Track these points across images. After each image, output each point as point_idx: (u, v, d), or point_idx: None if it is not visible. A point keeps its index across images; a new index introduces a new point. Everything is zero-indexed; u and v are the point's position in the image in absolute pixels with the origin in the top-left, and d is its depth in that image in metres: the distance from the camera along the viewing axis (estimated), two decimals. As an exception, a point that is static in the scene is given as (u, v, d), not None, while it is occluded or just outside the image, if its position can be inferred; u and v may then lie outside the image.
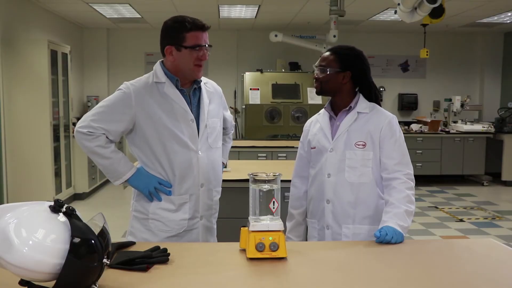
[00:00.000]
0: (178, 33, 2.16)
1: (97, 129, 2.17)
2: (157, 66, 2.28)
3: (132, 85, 2.23)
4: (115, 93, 2.25)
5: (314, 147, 2.30)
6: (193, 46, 2.15)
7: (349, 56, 2.24)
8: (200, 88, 2.31)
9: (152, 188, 2.21)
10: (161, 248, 1.82)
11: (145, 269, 1.65)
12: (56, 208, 1.40)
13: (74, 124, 7.18)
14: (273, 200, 1.82)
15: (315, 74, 2.28)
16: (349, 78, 2.22)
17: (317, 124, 2.34)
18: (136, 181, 2.23)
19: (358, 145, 2.19)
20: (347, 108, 2.24)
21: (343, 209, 2.20)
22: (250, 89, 7.90)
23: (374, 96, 2.28)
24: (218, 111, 2.38)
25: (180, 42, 2.16)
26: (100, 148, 2.18)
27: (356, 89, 2.28)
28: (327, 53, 2.27)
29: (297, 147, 2.50)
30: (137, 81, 2.26)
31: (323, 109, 2.34)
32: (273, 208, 1.82)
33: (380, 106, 2.30)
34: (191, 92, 2.28)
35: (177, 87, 2.23)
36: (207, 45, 2.20)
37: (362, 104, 2.24)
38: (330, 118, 2.30)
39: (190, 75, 2.23)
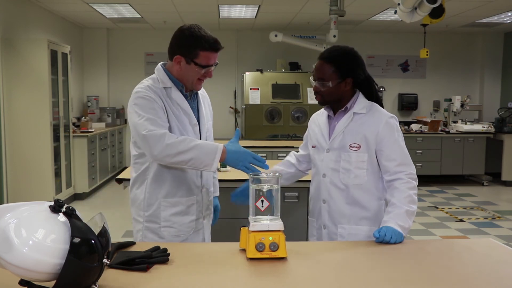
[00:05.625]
0: (193, 48, 2.13)
1: (162, 129, 2.09)
2: (160, 71, 2.24)
3: (145, 88, 2.17)
4: (138, 101, 2.15)
5: (314, 146, 2.31)
6: (204, 65, 2.16)
7: (345, 62, 2.17)
8: (197, 93, 2.35)
9: (247, 164, 2.09)
10: (161, 248, 1.82)
11: (145, 269, 1.65)
12: (56, 208, 1.40)
13: (74, 124, 7.19)
14: (262, 198, 1.80)
15: (314, 87, 2.22)
16: (351, 84, 2.20)
17: (317, 122, 2.35)
18: (230, 162, 2.12)
19: (352, 147, 2.17)
20: (343, 109, 2.23)
21: (338, 209, 2.21)
22: (250, 89, 7.91)
23: (375, 92, 2.25)
24: (210, 115, 2.44)
25: (192, 57, 2.14)
26: (179, 143, 2.08)
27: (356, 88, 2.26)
28: (322, 63, 2.18)
29: (297, 147, 2.55)
30: (144, 85, 2.20)
31: (323, 108, 2.33)
32: (261, 207, 1.80)
33: (381, 102, 2.26)
34: (191, 96, 2.32)
35: (181, 92, 2.25)
36: (214, 64, 2.20)
37: (359, 104, 2.20)
38: (329, 117, 2.29)
39: (190, 86, 2.25)
